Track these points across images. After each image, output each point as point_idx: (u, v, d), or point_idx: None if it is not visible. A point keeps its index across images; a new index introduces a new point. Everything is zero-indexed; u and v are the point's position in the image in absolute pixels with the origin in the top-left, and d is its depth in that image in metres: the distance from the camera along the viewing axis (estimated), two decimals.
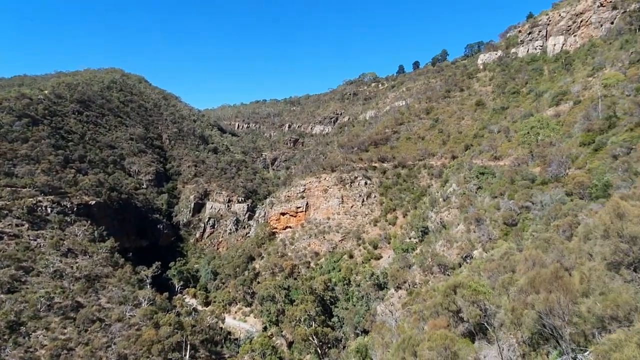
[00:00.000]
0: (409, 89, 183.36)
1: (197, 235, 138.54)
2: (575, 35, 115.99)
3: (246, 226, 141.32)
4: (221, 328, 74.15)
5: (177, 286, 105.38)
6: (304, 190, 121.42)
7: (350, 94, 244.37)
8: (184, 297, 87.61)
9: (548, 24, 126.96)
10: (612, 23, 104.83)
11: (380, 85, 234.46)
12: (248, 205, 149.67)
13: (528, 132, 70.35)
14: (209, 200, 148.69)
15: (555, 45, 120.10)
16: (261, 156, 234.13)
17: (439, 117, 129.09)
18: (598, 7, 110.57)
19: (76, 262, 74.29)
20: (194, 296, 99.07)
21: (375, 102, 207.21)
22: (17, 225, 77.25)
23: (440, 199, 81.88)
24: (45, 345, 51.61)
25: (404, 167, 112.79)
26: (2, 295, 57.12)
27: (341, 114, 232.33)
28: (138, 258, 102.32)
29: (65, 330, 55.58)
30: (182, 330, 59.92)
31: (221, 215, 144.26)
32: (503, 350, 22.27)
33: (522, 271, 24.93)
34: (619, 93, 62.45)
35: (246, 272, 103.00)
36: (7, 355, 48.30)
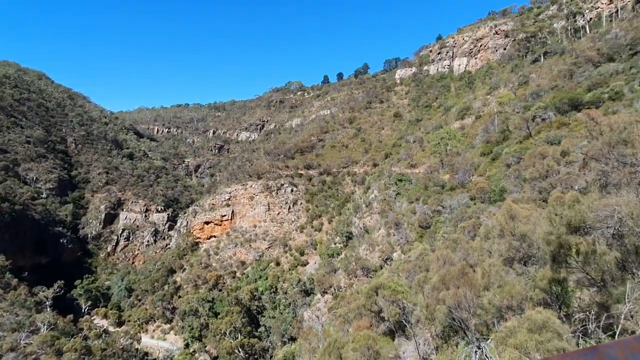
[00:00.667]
0: (334, 98, 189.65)
1: (109, 249, 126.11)
2: (476, 58, 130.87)
3: (166, 237, 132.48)
4: (137, 349, 68.24)
5: (84, 307, 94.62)
6: (229, 198, 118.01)
7: (276, 102, 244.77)
8: (92, 318, 79.02)
9: (454, 46, 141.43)
10: (504, 49, 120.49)
11: (306, 94, 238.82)
12: (168, 214, 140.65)
13: (438, 143, 77.30)
14: (123, 210, 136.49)
15: (460, 65, 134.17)
16: (183, 163, 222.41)
17: (361, 126, 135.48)
18: (494, 34, 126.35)
19: None
20: (105, 316, 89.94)
21: (301, 110, 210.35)
22: None
23: (363, 205, 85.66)
24: None
25: (329, 175, 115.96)
26: None
27: (267, 121, 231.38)
28: (36, 277, 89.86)
29: None
30: (90, 355, 53.92)
31: (137, 226, 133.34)
32: (419, 345, 23.98)
33: (434, 270, 27.15)
34: (511, 110, 71.80)
35: (166, 287, 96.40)
36: None
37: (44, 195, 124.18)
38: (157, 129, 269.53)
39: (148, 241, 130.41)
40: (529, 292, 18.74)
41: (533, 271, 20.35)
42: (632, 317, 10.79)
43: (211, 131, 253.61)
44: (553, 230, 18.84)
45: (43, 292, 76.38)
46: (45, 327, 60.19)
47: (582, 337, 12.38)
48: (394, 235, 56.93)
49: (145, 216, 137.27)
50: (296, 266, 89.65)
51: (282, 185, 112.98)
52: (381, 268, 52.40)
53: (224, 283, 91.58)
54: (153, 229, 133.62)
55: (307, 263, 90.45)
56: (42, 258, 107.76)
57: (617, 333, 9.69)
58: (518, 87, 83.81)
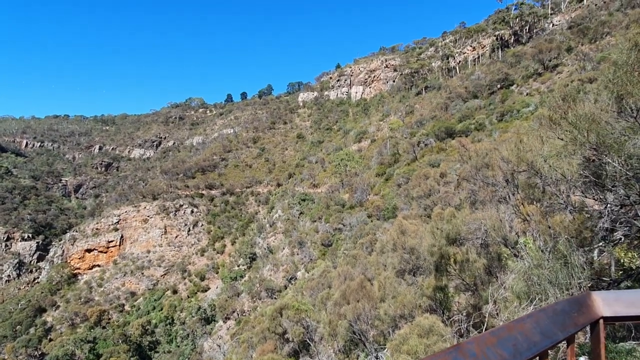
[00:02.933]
0: (237, 117, 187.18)
1: None
2: (370, 87, 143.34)
3: (34, 269, 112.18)
4: None
5: None
6: (118, 222, 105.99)
7: (175, 118, 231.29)
8: None
9: (351, 75, 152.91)
10: (394, 81, 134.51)
11: (208, 111, 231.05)
12: (38, 243, 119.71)
13: (339, 164, 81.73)
14: None
15: (356, 92, 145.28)
16: (60, 182, 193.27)
17: (265, 146, 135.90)
18: (385, 67, 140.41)
19: None
20: None
21: (202, 128, 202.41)
22: None
23: (267, 225, 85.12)
24: None
25: (232, 194, 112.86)
26: None
27: (165, 137, 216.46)
28: None
29: None
30: None
31: None
32: None
33: (336, 286, 28.12)
34: (400, 135, 79.93)
35: (32, 329, 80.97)
36: None
37: None
38: (27, 143, 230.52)
39: (9, 276, 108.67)
40: (418, 300, 20.58)
41: (421, 280, 22.45)
42: (497, 314, 12.65)
43: (97, 147, 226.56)
44: (435, 242, 21.20)
45: None
46: None
47: (460, 337, 14.00)
48: (297, 254, 57.57)
49: (7, 246, 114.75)
50: (196, 292, 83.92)
51: (181, 206, 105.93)
52: (286, 288, 52.28)
53: (109, 319, 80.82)
54: (17, 260, 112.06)
55: (208, 288, 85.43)
56: None
57: (484, 330, 11.28)
58: (406, 115, 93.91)
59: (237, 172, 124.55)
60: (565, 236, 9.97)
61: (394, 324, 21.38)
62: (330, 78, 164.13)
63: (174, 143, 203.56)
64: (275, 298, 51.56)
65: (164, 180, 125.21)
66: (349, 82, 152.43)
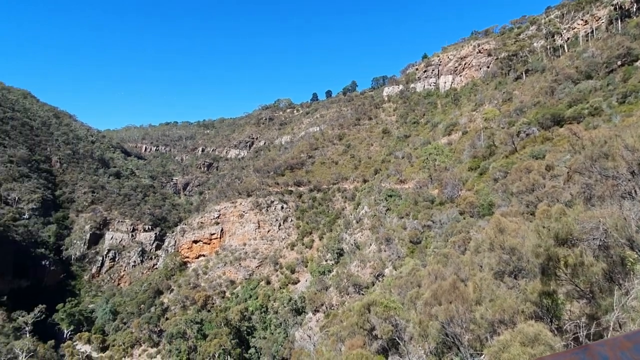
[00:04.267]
0: (323, 115, 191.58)
1: (94, 271, 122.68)
2: (460, 75, 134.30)
3: (153, 257, 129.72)
4: None
5: (66, 332, 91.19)
6: (218, 216, 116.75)
7: (265, 119, 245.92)
8: (75, 343, 76.14)
9: (439, 64, 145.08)
10: (488, 67, 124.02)
11: (295, 111, 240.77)
12: (156, 234, 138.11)
13: (427, 158, 78.31)
14: (109, 230, 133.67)
15: (445, 83, 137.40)
16: (172, 181, 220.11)
17: (350, 143, 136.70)
18: (477, 53, 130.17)
19: None
20: (88, 341, 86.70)
21: (290, 127, 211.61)
22: None
23: (354, 221, 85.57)
24: None
25: (319, 191, 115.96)
26: None
27: (257, 138, 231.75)
28: (15, 302, 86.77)
29: None
30: None
31: (124, 246, 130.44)
32: None
33: (426, 285, 27.03)
34: (496, 126, 73.45)
35: (153, 309, 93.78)
36: None
37: (26, 216, 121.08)
38: (145, 147, 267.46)
39: (134, 261, 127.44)
40: (520, 305, 18.73)
41: (523, 284, 20.41)
42: (620, 327, 10.85)
43: (200, 149, 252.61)
44: (541, 242, 19.03)
45: (22, 317, 73.63)
46: (24, 354, 57.75)
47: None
48: (385, 251, 56.79)
49: (132, 236, 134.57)
50: (287, 284, 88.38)
51: (272, 202, 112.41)
52: (373, 284, 52.00)
53: (213, 303, 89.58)
54: (140, 248, 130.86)
55: (298, 281, 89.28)
56: (22, 282, 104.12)
57: None
58: (502, 104, 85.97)
59: (324, 169, 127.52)
60: None
61: (492, 329, 19.84)
62: (416, 69, 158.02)
63: (264, 143, 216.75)
64: (362, 294, 51.66)
65: (256, 178, 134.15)
66: (437, 72, 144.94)
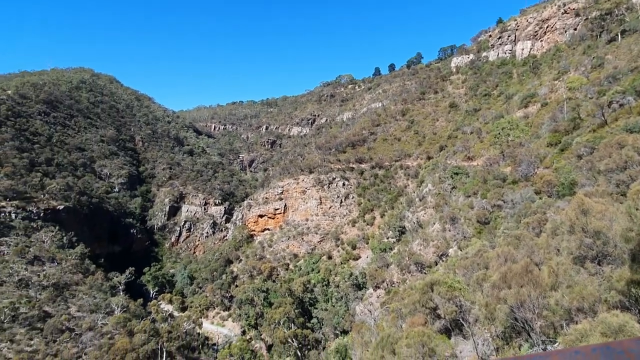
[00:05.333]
0: (385, 90, 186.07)
1: (173, 240, 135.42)
2: (541, 40, 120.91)
3: (223, 229, 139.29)
4: (198, 334, 72.74)
5: (151, 292, 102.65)
6: (282, 192, 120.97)
7: (327, 96, 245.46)
8: (159, 303, 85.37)
9: (516, 29, 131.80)
10: (575, 29, 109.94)
11: (356, 87, 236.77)
12: (225, 207, 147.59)
13: (499, 133, 72.73)
14: (184, 203, 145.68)
15: (523, 49, 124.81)
16: (238, 158, 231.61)
17: (414, 118, 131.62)
18: (562, 14, 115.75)
19: (43, 270, 71.09)
20: (170, 302, 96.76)
21: (352, 103, 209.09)
22: None
23: (417, 199, 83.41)
24: (10, 358, 49.04)
25: (381, 168, 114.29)
26: None
27: (318, 115, 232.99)
28: (110, 264, 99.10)
29: (32, 342, 53.05)
30: (157, 337, 58.37)
31: (197, 219, 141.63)
32: (478, 345, 22.91)
33: (494, 267, 25.72)
34: (582, 96, 65.51)
35: (224, 276, 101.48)
36: None
37: (116, 190, 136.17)
38: (214, 126, 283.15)
39: (207, 233, 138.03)
40: (604, 293, 17.15)
41: (608, 271, 18.59)
42: None
43: (264, 127, 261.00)
44: (633, 226, 16.99)
45: (116, 277, 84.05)
46: (118, 309, 66.23)
47: None
48: (449, 230, 54.80)
49: (205, 209, 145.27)
50: (348, 260, 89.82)
51: (333, 179, 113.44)
52: (436, 264, 50.78)
53: (278, 274, 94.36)
54: (212, 221, 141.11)
55: (359, 257, 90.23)
56: (115, 247, 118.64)
57: None
58: (591, 70, 76.20)
59: (386, 145, 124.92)
60: None
61: (569, 317, 18.51)
62: (490, 36, 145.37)
63: (326, 120, 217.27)
64: (424, 273, 50.77)
65: (318, 155, 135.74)
66: (514, 38, 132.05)
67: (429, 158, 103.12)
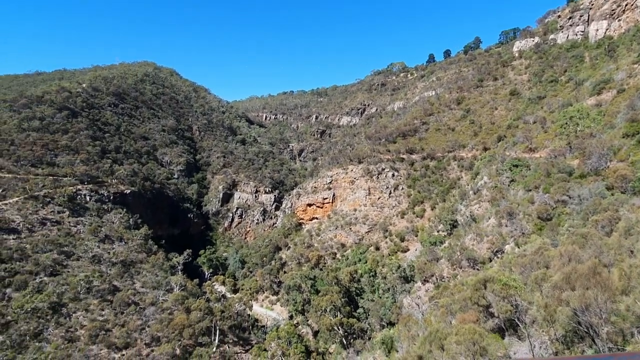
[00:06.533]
0: (440, 78, 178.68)
1: (226, 225, 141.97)
2: (619, 20, 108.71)
3: (273, 216, 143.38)
4: (249, 315, 76.06)
5: (206, 273, 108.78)
6: (330, 182, 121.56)
7: (378, 85, 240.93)
8: (213, 283, 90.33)
9: (590, 8, 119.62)
10: None
11: (409, 75, 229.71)
12: (275, 195, 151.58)
13: (566, 123, 66.90)
14: (237, 190, 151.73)
15: (597, 30, 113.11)
16: (288, 147, 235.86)
17: (470, 107, 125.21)
18: None
19: (113, 248, 78.05)
20: (223, 283, 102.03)
21: (403, 92, 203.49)
22: (58, 212, 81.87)
23: (471, 192, 79.77)
24: (85, 325, 54.74)
25: (433, 159, 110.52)
26: (45, 278, 60.94)
27: (368, 105, 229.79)
28: (170, 245, 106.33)
29: (103, 312, 58.72)
30: (211, 315, 61.93)
31: (249, 206, 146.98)
32: (535, 347, 21.65)
33: (556, 267, 23.99)
34: None
35: (273, 262, 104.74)
36: (49, 335, 51.64)
37: (176, 176, 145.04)
38: (265, 116, 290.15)
39: (257, 219, 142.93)
40: None
41: None
42: None
43: (314, 116, 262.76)
44: None
45: (175, 258, 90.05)
46: (177, 287, 71.05)
47: None
48: (506, 226, 51.83)
49: (255, 196, 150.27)
50: (396, 252, 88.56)
51: (383, 169, 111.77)
52: (490, 260, 48.46)
53: (325, 263, 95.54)
54: (262, 208, 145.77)
55: (408, 249, 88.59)
56: (174, 230, 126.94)
57: None
58: None
59: (439, 136, 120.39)
60: None
61: None
62: (559, 17, 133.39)
63: (376, 109, 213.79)
64: (477, 269, 48.69)
65: (367, 145, 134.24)
66: (587, 18, 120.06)
67: (485, 149, 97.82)
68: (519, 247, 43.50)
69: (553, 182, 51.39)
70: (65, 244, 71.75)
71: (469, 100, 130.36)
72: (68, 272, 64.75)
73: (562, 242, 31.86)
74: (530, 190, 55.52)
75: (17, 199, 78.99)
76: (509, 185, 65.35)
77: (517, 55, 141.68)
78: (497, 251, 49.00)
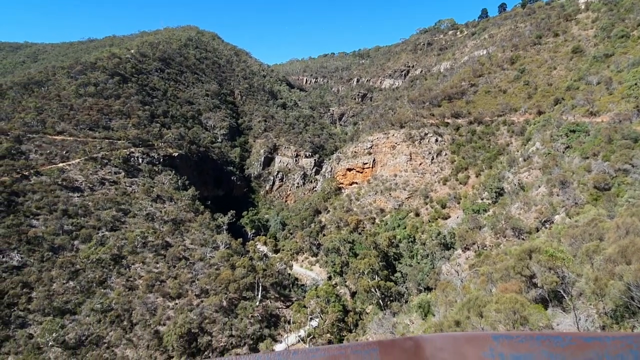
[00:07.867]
0: (492, 35, 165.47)
1: (267, 188, 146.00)
2: None
3: (313, 180, 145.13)
4: (289, 274, 79.51)
5: (249, 233, 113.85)
6: (371, 147, 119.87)
7: (423, 44, 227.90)
8: (255, 243, 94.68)
9: None
10: None
11: (458, 32, 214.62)
12: (315, 160, 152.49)
13: (636, 84, 60.29)
14: (277, 154, 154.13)
15: None
16: (328, 111, 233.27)
17: (525, 67, 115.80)
18: None
19: (164, 207, 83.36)
20: (265, 244, 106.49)
21: (451, 52, 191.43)
22: (115, 173, 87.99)
23: (520, 159, 75.61)
24: (142, 276, 60.04)
25: (480, 124, 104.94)
26: (106, 232, 66.76)
27: (413, 66, 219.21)
28: (215, 206, 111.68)
29: (158, 265, 63.88)
30: (254, 272, 65.45)
31: (289, 169, 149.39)
32: (580, 320, 20.93)
33: (611, 239, 22.56)
34: None
35: (312, 225, 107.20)
36: (112, 282, 57.30)
37: (219, 140, 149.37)
38: (306, 80, 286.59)
39: (298, 183, 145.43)
40: None
41: None
42: None
43: (355, 79, 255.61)
44: None
45: (220, 218, 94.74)
46: (223, 245, 75.24)
47: None
48: (557, 195, 49.00)
49: (296, 161, 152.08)
50: (436, 219, 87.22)
51: (425, 134, 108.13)
52: (537, 230, 46.47)
53: (364, 227, 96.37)
54: (302, 172, 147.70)
55: (449, 217, 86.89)
56: (219, 191, 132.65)
57: None
58: None
59: (488, 98, 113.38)
60: None
61: None
62: None
63: (421, 71, 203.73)
64: (523, 239, 46.96)
65: (410, 108, 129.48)
66: None
67: (539, 113, 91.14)
68: (570, 218, 41.21)
69: (615, 149, 47.33)
70: (122, 202, 77.55)
71: (525, 59, 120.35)
72: (126, 227, 70.44)
73: (620, 213, 29.72)
74: (587, 157, 51.62)
75: (78, 160, 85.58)
76: (563, 152, 61.10)
77: (583, 7, 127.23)
78: (545, 221, 46.79)
